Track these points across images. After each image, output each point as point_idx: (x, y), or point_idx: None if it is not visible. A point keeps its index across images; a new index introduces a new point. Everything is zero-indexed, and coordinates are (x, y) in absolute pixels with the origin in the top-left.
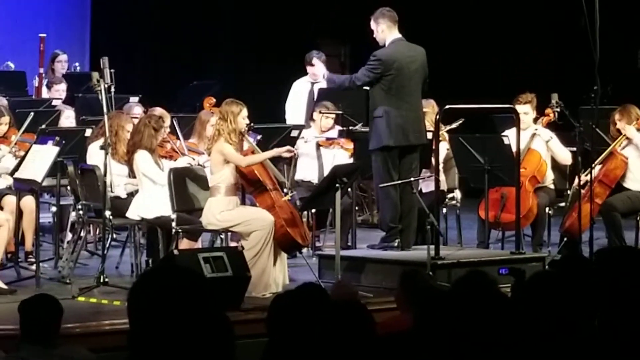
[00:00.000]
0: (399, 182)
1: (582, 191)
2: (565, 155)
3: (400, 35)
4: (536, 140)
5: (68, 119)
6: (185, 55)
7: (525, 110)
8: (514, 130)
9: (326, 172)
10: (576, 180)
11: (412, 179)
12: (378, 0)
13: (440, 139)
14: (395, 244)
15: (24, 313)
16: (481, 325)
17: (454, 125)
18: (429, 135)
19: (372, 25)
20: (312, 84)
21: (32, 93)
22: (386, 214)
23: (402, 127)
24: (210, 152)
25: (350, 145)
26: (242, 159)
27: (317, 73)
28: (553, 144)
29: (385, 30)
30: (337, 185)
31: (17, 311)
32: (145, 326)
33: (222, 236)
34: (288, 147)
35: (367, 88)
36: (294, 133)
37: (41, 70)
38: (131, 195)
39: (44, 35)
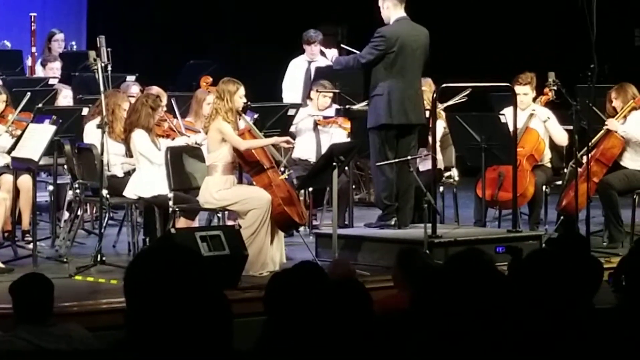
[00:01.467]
0: (396, 160)
1: (579, 170)
2: (562, 137)
3: (405, 15)
4: (534, 119)
5: (66, 98)
6: (182, 34)
7: (525, 91)
8: (511, 108)
9: (323, 151)
10: (577, 155)
11: (408, 157)
12: None
13: (438, 117)
14: (392, 222)
15: (16, 294)
16: (478, 304)
17: (458, 100)
18: (426, 114)
19: (380, 1)
20: (309, 62)
21: (26, 72)
22: (382, 192)
23: (403, 106)
24: (208, 131)
25: (348, 124)
26: (241, 142)
27: (315, 54)
28: (550, 125)
29: (390, 8)
30: (334, 164)
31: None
32: (142, 305)
33: (219, 215)
34: (288, 139)
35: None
36: (291, 112)
37: (34, 49)
38: (128, 174)
39: (35, 14)
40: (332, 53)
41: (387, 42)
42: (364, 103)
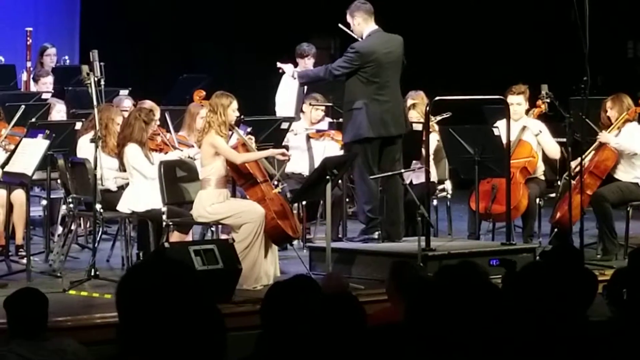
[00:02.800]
0: (389, 174)
1: (573, 182)
2: (554, 150)
3: (377, 27)
4: (527, 132)
5: (59, 112)
6: (175, 48)
7: (518, 101)
8: (504, 121)
9: (317, 164)
10: (568, 165)
11: (402, 171)
12: None
13: (431, 130)
14: (376, 236)
15: (10, 309)
16: (472, 317)
17: (439, 118)
18: (419, 127)
19: (349, 19)
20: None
21: (20, 87)
22: (364, 204)
23: (382, 119)
24: (201, 145)
25: (340, 137)
26: (237, 156)
27: (309, 67)
28: (542, 138)
29: (361, 23)
30: (328, 177)
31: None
32: (135, 319)
33: (213, 229)
34: (283, 151)
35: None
36: (284, 125)
37: (29, 64)
38: (121, 188)
39: (31, 29)
40: (290, 68)
41: (362, 58)
42: None
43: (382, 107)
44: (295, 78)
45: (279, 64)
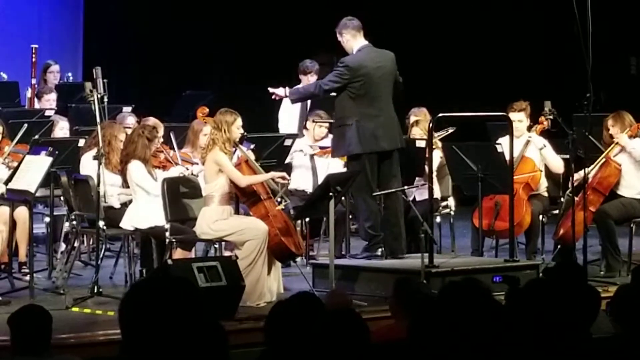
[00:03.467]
0: (392, 190)
1: (576, 199)
2: (557, 164)
3: (366, 42)
4: (530, 148)
5: (62, 129)
6: (178, 64)
7: (519, 118)
8: (507, 138)
9: (320, 181)
10: (571, 180)
11: (405, 187)
12: (371, 9)
13: (434, 147)
14: (379, 253)
15: (14, 326)
16: (475, 334)
17: (443, 134)
18: (422, 143)
19: (338, 37)
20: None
21: (24, 104)
22: (365, 221)
23: (374, 134)
24: (205, 162)
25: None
26: (241, 178)
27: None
28: (546, 152)
29: (350, 40)
30: (331, 194)
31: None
32: (138, 336)
33: (216, 246)
34: (284, 174)
35: (334, 94)
36: (288, 142)
37: (34, 81)
38: (125, 205)
39: (36, 46)
40: (281, 91)
41: (352, 72)
42: None
43: (373, 122)
44: (287, 97)
45: (270, 90)
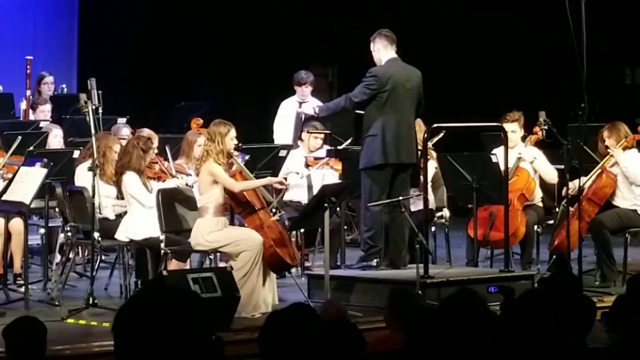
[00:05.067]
0: (388, 201)
1: (571, 209)
2: (551, 174)
3: (396, 56)
4: (523, 161)
5: (56, 137)
6: (173, 76)
7: (513, 129)
8: (502, 148)
9: (315, 192)
10: (565, 190)
11: (400, 198)
12: (366, 21)
13: (429, 157)
14: (374, 263)
15: (8, 338)
16: (471, 344)
17: (435, 139)
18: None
19: (371, 44)
20: (300, 103)
21: (19, 115)
22: (365, 232)
23: (395, 145)
24: (199, 173)
25: (339, 165)
26: (235, 184)
27: (306, 95)
28: (538, 164)
29: (380, 50)
30: (326, 205)
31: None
32: (133, 348)
33: (211, 257)
34: (281, 180)
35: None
36: (282, 153)
37: (28, 93)
38: (120, 216)
39: (31, 57)
40: (309, 108)
41: (379, 82)
42: (349, 141)
43: (395, 133)
44: (317, 114)
45: (298, 111)
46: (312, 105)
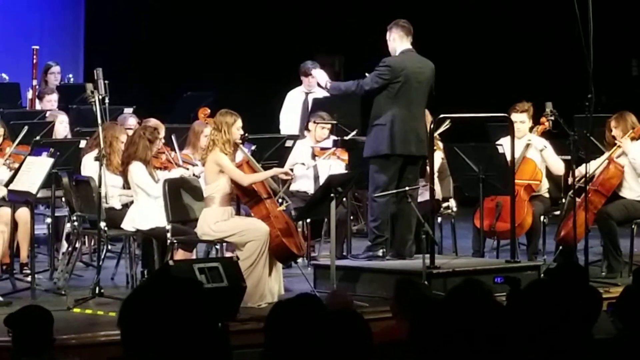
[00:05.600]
0: (394, 191)
1: (578, 200)
2: (558, 166)
3: (411, 47)
4: (531, 149)
5: (62, 123)
6: (179, 66)
7: (522, 119)
8: (508, 138)
9: (321, 182)
10: (571, 179)
11: (406, 188)
12: (372, 11)
13: (435, 148)
14: (380, 253)
15: (14, 327)
16: (476, 334)
17: (441, 129)
18: None
19: (387, 34)
20: (307, 94)
21: (26, 105)
22: (372, 221)
23: (405, 137)
24: (205, 163)
25: (346, 156)
26: (243, 176)
27: (317, 82)
28: (547, 154)
29: (396, 40)
30: (332, 195)
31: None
32: (139, 338)
33: (218, 247)
34: (287, 170)
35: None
36: (289, 143)
37: (35, 82)
38: (126, 206)
39: (37, 47)
40: (323, 77)
41: (392, 72)
42: (355, 132)
43: (406, 125)
44: (326, 88)
45: (313, 72)
46: (327, 80)
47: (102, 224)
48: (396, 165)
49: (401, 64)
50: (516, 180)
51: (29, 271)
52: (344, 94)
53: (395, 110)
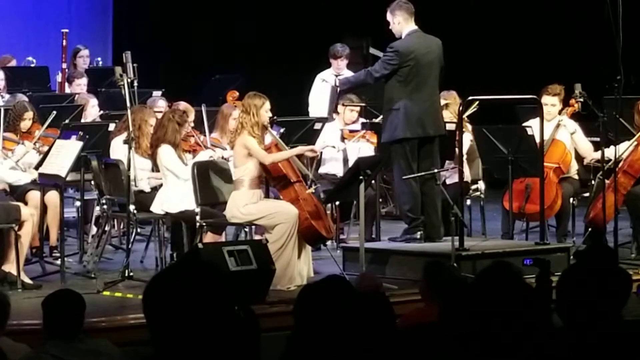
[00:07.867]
0: (423, 173)
1: (607, 181)
2: (587, 149)
3: (416, 27)
4: (561, 131)
5: (93, 107)
6: (208, 48)
7: (553, 102)
8: (537, 120)
9: (350, 165)
10: (600, 157)
11: (435, 170)
12: None
13: (464, 130)
14: (418, 236)
15: (48, 309)
16: (506, 316)
17: (470, 111)
18: (452, 127)
19: (388, 17)
20: (336, 76)
21: (55, 88)
22: (404, 205)
23: (420, 119)
24: (233, 146)
25: (375, 138)
26: (266, 155)
27: (345, 64)
28: (577, 137)
29: (401, 22)
30: (361, 177)
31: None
32: (164, 321)
33: (247, 229)
34: (312, 147)
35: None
36: (317, 126)
37: (64, 66)
38: (155, 189)
39: (67, 30)
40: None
41: (401, 57)
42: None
43: (420, 107)
44: (337, 86)
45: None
46: (337, 78)
47: (132, 207)
48: (413, 147)
49: (409, 48)
50: (545, 163)
51: (58, 254)
52: (354, 86)
53: (408, 93)
